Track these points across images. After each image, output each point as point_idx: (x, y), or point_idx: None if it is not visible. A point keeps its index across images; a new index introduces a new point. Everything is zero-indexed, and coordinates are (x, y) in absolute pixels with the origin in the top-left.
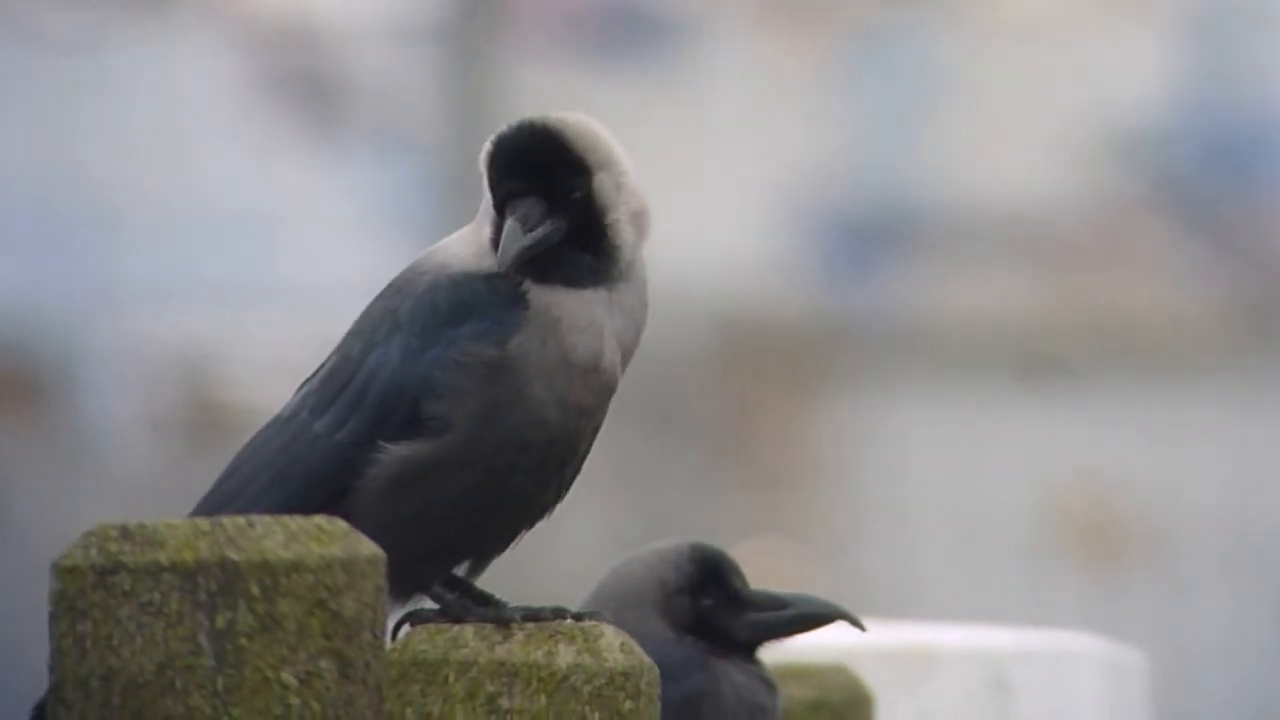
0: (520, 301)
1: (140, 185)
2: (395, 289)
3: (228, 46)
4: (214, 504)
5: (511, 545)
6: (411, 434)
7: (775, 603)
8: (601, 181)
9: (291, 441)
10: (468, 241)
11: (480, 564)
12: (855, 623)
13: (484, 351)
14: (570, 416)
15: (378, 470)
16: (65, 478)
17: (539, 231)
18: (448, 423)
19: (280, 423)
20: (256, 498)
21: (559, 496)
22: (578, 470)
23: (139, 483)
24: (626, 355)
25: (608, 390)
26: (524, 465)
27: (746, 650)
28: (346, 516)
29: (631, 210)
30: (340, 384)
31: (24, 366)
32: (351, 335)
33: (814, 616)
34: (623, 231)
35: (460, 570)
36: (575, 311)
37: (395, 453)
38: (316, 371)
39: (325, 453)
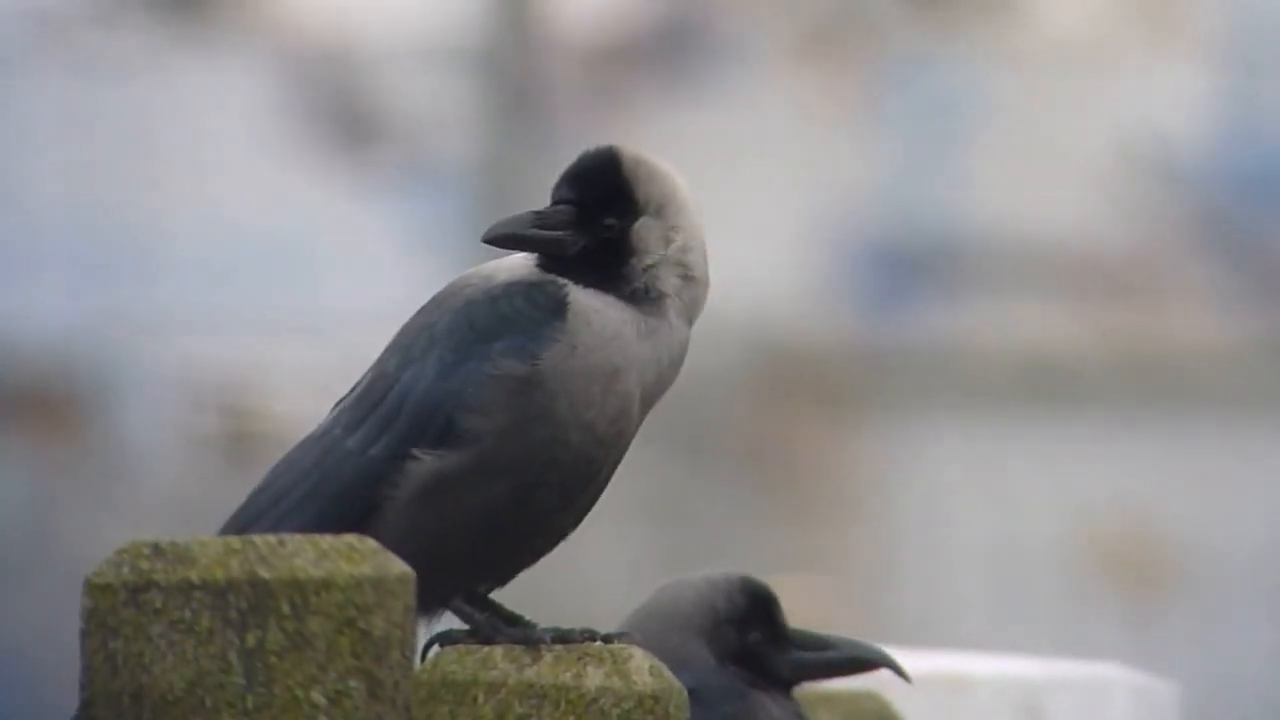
0: (559, 312)
1: (178, 213)
2: (436, 304)
3: (265, 76)
4: (246, 518)
5: (530, 566)
6: (442, 448)
7: (820, 643)
8: (645, 225)
9: (324, 457)
10: (523, 259)
11: (501, 582)
12: (899, 671)
13: (515, 368)
14: (590, 440)
15: (405, 481)
16: (103, 498)
17: (549, 234)
18: (477, 436)
19: (314, 439)
20: (288, 513)
21: (577, 520)
22: (595, 498)
23: (175, 504)
24: (646, 397)
25: (625, 416)
26: (549, 480)
27: (784, 687)
28: (376, 531)
29: (671, 263)
30: (374, 401)
31: (63, 390)
32: (389, 351)
33: (858, 660)
34: (656, 280)
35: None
36: (608, 320)
37: (423, 464)
38: (354, 388)
39: (357, 469)
